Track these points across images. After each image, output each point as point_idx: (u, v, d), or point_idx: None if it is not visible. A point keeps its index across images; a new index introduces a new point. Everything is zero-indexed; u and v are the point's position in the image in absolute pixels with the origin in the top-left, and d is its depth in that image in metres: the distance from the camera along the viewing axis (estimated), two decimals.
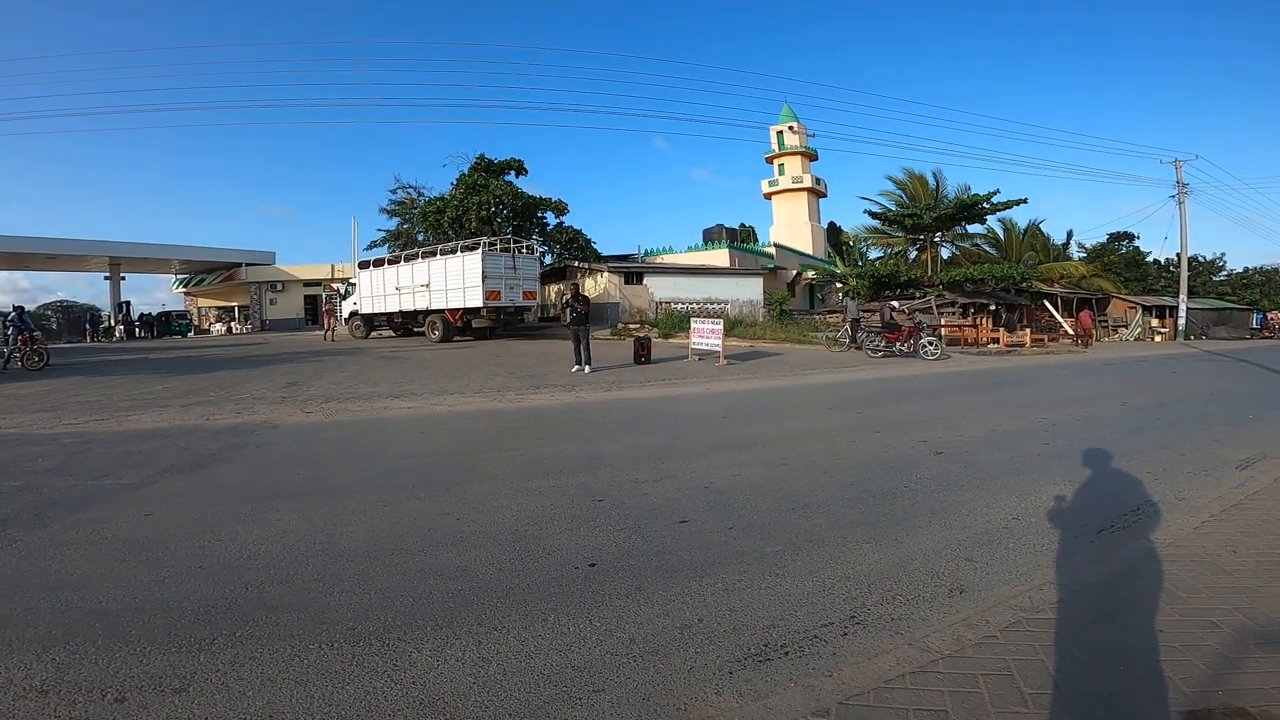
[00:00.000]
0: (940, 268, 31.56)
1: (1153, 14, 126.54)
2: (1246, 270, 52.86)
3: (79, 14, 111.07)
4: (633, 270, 26.86)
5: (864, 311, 22.17)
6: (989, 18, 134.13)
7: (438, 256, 21.63)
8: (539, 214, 28.57)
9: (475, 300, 20.21)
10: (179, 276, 43.65)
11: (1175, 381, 12.50)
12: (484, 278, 19.89)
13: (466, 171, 27.65)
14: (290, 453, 6.16)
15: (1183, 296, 31.39)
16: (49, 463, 5.64)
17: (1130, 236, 49.46)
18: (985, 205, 28.97)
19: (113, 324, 34.46)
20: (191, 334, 36.72)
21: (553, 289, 28.29)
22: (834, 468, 5.30)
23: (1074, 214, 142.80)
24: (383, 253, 30.25)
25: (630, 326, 23.04)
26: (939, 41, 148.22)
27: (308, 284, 38.78)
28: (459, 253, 20.87)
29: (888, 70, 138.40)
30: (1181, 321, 30.79)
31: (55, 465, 5.55)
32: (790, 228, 42.42)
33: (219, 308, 43.19)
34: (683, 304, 25.14)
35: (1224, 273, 52.75)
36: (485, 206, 25.68)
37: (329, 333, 24.98)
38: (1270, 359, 17.37)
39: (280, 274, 39.13)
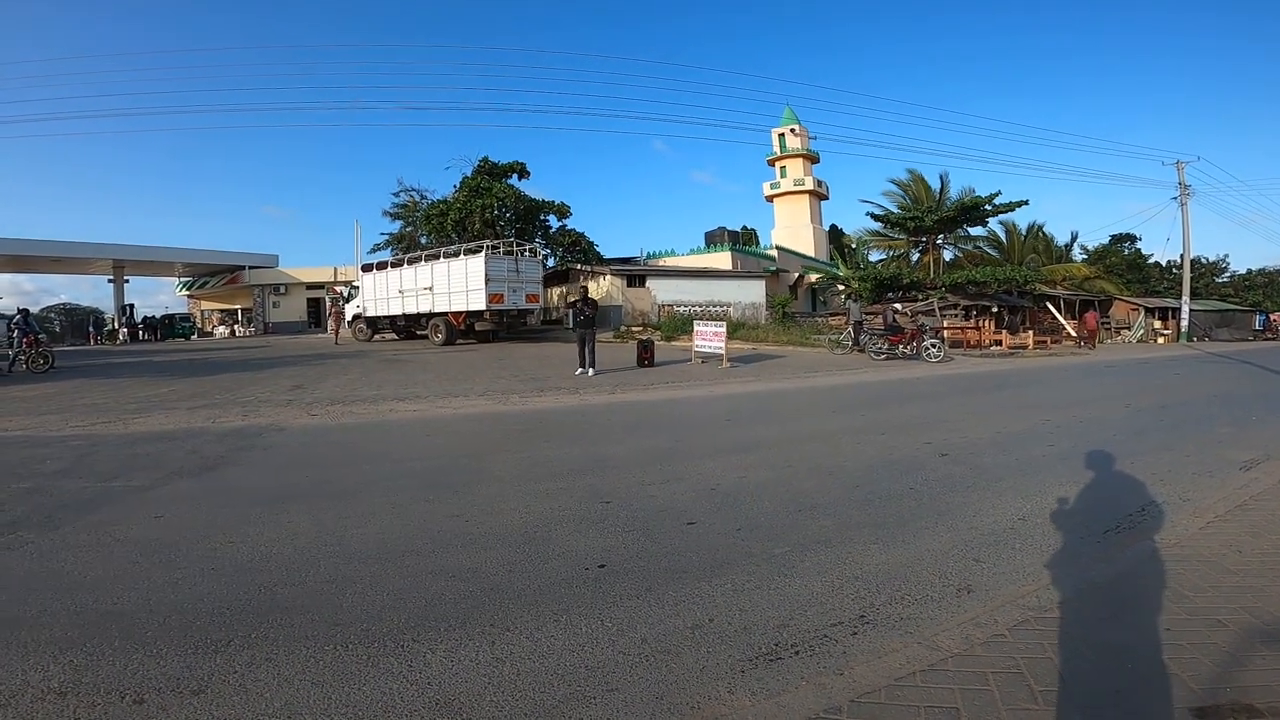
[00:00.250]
0: (942, 270, 31.56)
1: (1154, 15, 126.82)
2: (1249, 272, 52.94)
3: (80, 15, 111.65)
4: (635, 273, 26.93)
5: (866, 314, 22.18)
6: (990, 19, 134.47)
7: (441, 259, 21.70)
8: (541, 217, 28.71)
9: (478, 303, 20.27)
10: (182, 279, 43.79)
11: (1178, 383, 12.51)
12: (487, 281, 19.95)
13: (470, 174, 27.79)
14: (297, 455, 6.19)
15: (1185, 298, 31.35)
16: (57, 465, 5.67)
17: (1132, 238, 49.54)
18: (987, 207, 28.99)
19: (116, 326, 34.55)
20: (195, 337, 36.82)
21: (555, 292, 28.35)
22: (839, 470, 5.32)
23: (1076, 216, 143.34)
24: (385, 256, 30.35)
25: (633, 329, 23.09)
26: (940, 43, 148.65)
27: (310, 287, 38.95)
28: (462, 256, 20.94)
29: (889, 72, 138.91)
30: (1184, 323, 30.75)
31: (64, 467, 5.58)
32: (792, 230, 42.54)
33: (222, 310, 43.34)
34: (685, 307, 25.19)
35: (1227, 274, 52.78)
36: (488, 209, 25.81)
37: (337, 335, 25.05)
38: (1273, 360, 17.36)
39: (283, 277, 39.28)
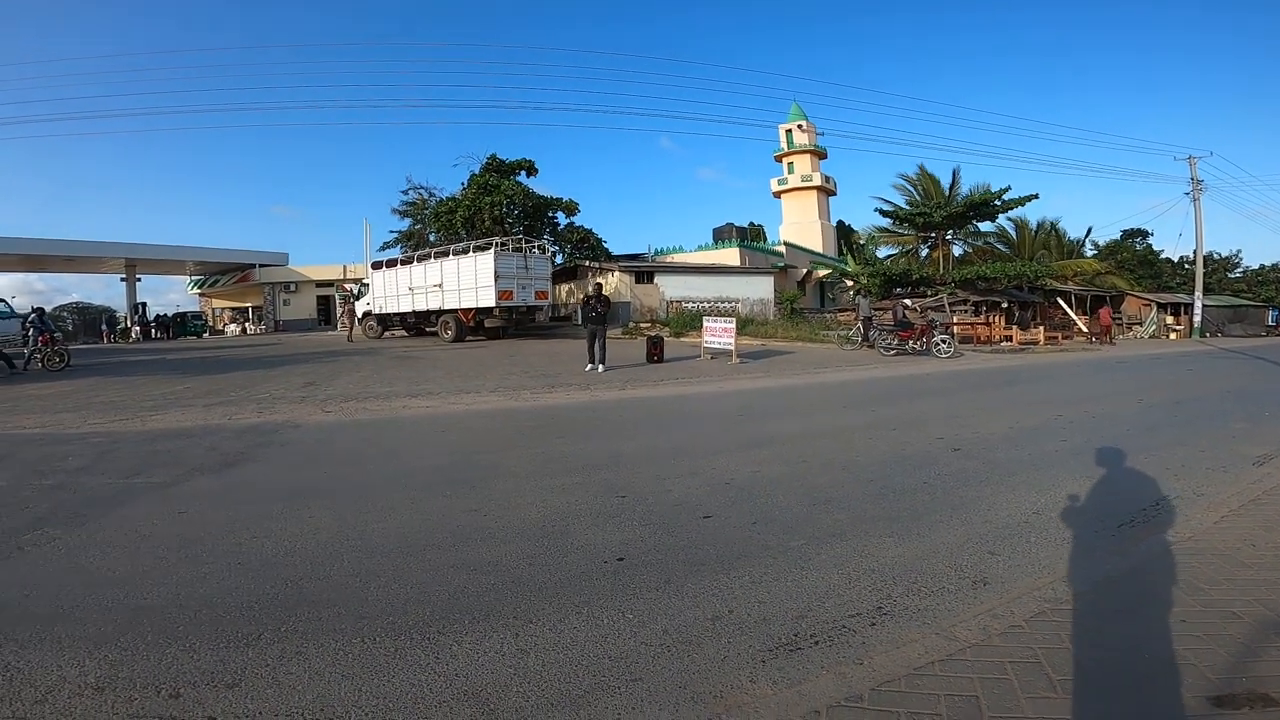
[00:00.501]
0: (952, 265, 31.42)
1: (1166, 11, 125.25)
2: (1262, 267, 52.22)
3: (80, 15, 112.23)
4: (643, 269, 26.91)
5: (876, 310, 22.14)
6: (1000, 15, 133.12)
7: (450, 257, 21.76)
8: (550, 214, 28.73)
9: (488, 300, 20.32)
10: (193, 278, 44.10)
11: (1191, 379, 12.44)
12: (496, 277, 20.00)
13: (478, 172, 27.84)
14: (314, 451, 6.26)
15: (1198, 294, 31.11)
16: (79, 462, 5.75)
17: (1144, 233, 49.13)
18: (997, 203, 28.81)
19: (129, 325, 34.88)
20: (206, 335, 37.07)
21: (564, 288, 28.41)
22: (853, 464, 5.34)
23: (1088, 211, 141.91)
24: (395, 253, 30.47)
25: (642, 325, 23.12)
26: (949, 38, 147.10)
27: (320, 285, 39.12)
28: (471, 253, 21.00)
29: (897, 68, 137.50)
30: (1197, 319, 30.52)
31: (85, 464, 5.66)
32: (800, 226, 42.37)
33: (233, 308, 43.65)
34: (694, 303, 25.18)
35: (1240, 270, 52.21)
36: (497, 206, 25.86)
37: (351, 331, 25.17)
38: None
39: (293, 275, 39.50)
